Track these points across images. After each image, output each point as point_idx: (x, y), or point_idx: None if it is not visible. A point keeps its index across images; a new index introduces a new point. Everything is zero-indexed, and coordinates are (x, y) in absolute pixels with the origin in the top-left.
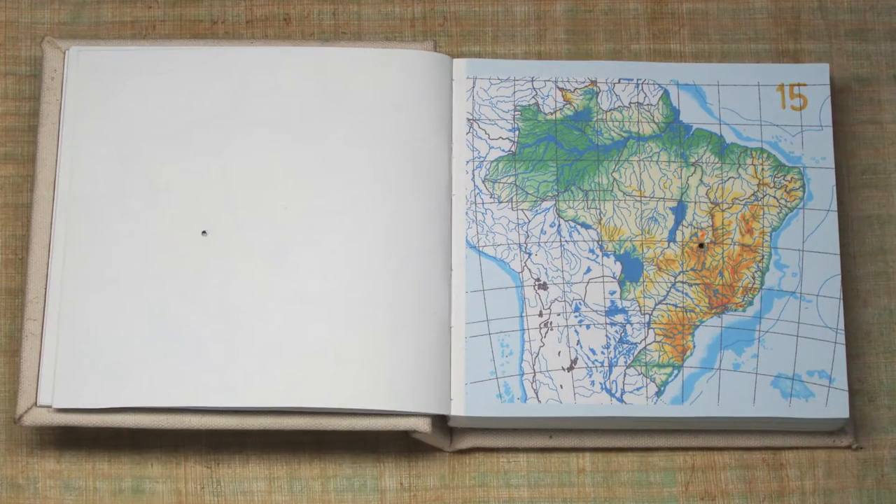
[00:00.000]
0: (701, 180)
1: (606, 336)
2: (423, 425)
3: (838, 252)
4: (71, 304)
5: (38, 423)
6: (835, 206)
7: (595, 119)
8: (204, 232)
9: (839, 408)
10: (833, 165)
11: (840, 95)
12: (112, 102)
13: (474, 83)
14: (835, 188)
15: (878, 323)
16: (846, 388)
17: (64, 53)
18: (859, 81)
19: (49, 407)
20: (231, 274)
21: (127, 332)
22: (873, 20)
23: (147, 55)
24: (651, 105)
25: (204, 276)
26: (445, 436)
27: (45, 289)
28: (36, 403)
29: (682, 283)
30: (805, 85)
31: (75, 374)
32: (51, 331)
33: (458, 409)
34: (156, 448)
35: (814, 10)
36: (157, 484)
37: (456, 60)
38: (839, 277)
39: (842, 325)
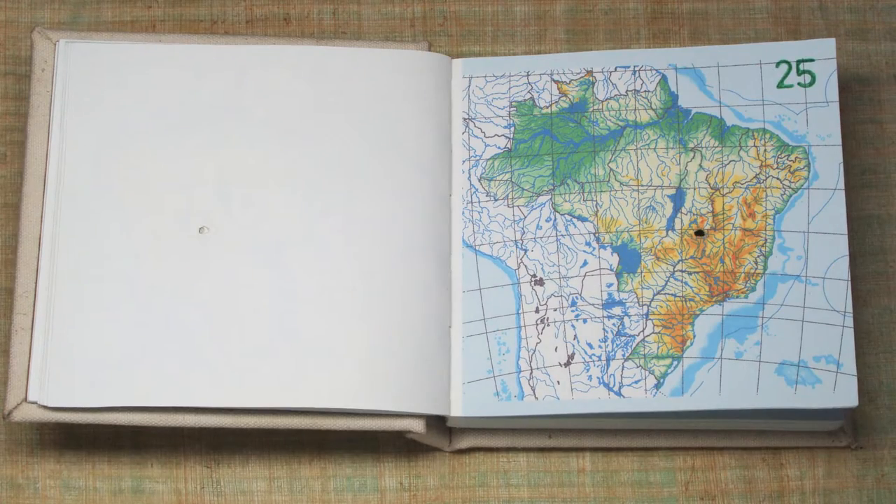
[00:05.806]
0: (700, 165)
1: (604, 329)
2: (417, 426)
3: (846, 232)
4: (61, 300)
5: (28, 420)
6: (842, 185)
7: (591, 109)
8: (201, 229)
9: (848, 395)
10: (840, 142)
11: (840, 95)
12: (103, 96)
13: (470, 82)
14: (842, 165)
15: (878, 323)
16: (855, 373)
17: (55, 45)
18: (859, 81)
19: (38, 403)
20: (226, 272)
21: (119, 329)
22: (873, 20)
23: (141, 49)
24: (648, 91)
25: (198, 273)
26: (444, 435)
27: (35, 284)
28: (26, 399)
29: (682, 271)
30: (812, 60)
31: (65, 371)
32: (40, 327)
33: (455, 409)
34: (156, 448)
35: (814, 10)
36: (157, 484)
37: (453, 60)
38: (847, 259)
39: (850, 308)
